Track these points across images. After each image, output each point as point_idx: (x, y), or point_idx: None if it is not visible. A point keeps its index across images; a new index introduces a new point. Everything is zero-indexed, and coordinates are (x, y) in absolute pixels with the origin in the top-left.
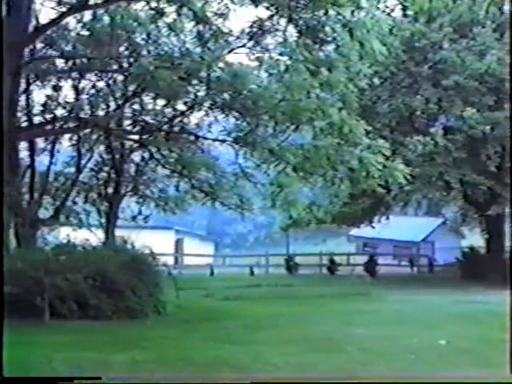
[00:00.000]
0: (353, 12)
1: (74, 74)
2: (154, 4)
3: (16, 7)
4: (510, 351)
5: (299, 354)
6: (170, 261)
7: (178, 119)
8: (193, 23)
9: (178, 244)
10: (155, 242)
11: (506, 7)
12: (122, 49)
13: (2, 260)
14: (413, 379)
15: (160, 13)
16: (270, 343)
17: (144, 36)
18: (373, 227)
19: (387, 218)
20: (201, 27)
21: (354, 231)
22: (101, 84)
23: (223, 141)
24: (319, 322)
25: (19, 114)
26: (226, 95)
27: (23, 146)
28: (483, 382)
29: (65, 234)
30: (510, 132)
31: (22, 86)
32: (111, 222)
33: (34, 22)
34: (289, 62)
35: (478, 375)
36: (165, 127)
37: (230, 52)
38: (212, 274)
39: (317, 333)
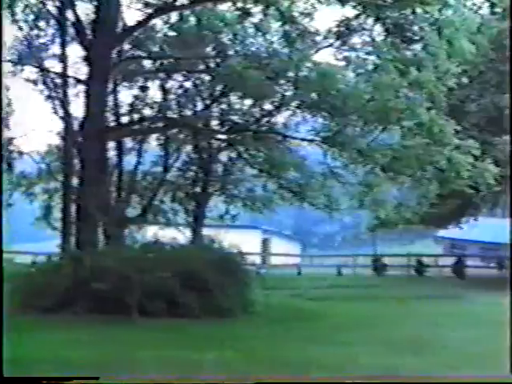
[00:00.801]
0: (440, 10)
1: (161, 75)
2: (240, 4)
3: (105, 10)
4: (510, 351)
5: (389, 355)
6: (257, 260)
7: (266, 119)
8: (279, 23)
9: (265, 243)
10: (242, 241)
11: None
12: (208, 49)
13: (1, 260)
14: (412, 379)
15: (246, 13)
16: (360, 344)
17: (230, 36)
18: (460, 228)
19: (475, 219)
20: (287, 27)
21: (442, 232)
22: (188, 84)
23: (311, 140)
24: (409, 323)
25: (107, 114)
26: (313, 95)
27: (111, 145)
28: (483, 382)
29: (152, 232)
30: (510, 132)
31: (110, 86)
32: (199, 221)
33: (121, 24)
34: (377, 62)
35: (478, 375)
36: (252, 127)
37: (317, 52)
38: (299, 273)
39: (407, 335)
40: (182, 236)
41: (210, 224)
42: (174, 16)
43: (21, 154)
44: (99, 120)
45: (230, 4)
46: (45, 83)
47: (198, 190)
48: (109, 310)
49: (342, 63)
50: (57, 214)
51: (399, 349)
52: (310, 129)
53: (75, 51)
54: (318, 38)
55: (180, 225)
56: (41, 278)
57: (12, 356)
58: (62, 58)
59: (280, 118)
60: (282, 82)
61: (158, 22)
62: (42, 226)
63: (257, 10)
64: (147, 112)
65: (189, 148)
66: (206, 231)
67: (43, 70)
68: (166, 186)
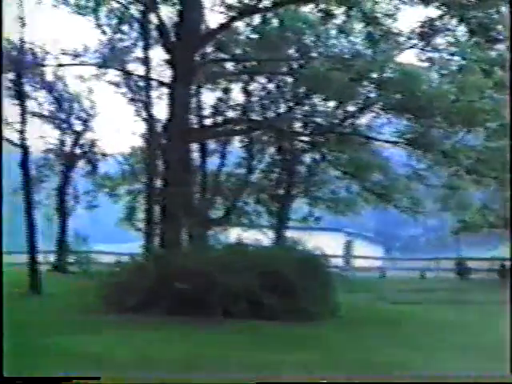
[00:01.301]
0: None
1: (244, 77)
2: (323, 6)
3: (187, 14)
4: (510, 351)
5: (477, 361)
6: (340, 263)
7: (349, 120)
8: (362, 24)
9: (348, 246)
10: (325, 243)
11: None
12: (291, 51)
13: (1, 259)
14: (412, 379)
15: (329, 14)
16: (445, 349)
17: (313, 38)
18: None
19: None
20: (370, 28)
21: None
22: (271, 86)
23: (395, 142)
24: (495, 328)
25: (191, 116)
26: (398, 96)
27: (195, 147)
28: (483, 382)
29: (236, 233)
30: (510, 132)
31: (194, 88)
32: (282, 223)
33: (204, 27)
34: (461, 62)
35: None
36: (336, 129)
37: (400, 52)
38: (383, 276)
39: (494, 340)
40: (266, 238)
41: (294, 226)
42: (256, 18)
43: (105, 155)
44: (183, 122)
45: (312, 6)
46: (128, 86)
47: (281, 191)
48: (191, 311)
49: (426, 64)
50: (140, 215)
51: (487, 354)
52: (394, 130)
53: (158, 54)
54: (402, 39)
55: (263, 226)
56: (125, 277)
57: (96, 355)
58: (145, 61)
59: (363, 120)
60: (366, 83)
61: (240, 25)
62: (126, 227)
63: (340, 11)
64: (230, 114)
65: (272, 150)
66: (289, 233)
67: (126, 73)
68: (249, 188)
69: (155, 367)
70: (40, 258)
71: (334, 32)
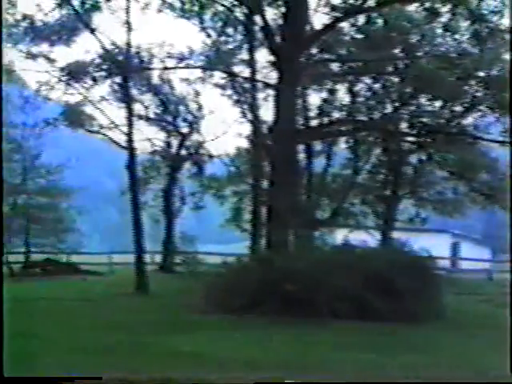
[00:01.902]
0: None
1: (350, 77)
2: (428, 4)
3: (292, 15)
4: (510, 351)
5: None
6: (446, 265)
7: (456, 120)
8: (468, 22)
9: (455, 247)
10: (431, 244)
11: None
12: (396, 50)
13: (1, 258)
14: (412, 379)
15: (435, 13)
16: None
17: (418, 37)
18: None
19: None
20: (477, 26)
21: None
22: (376, 86)
23: (503, 142)
24: None
25: (297, 118)
26: (505, 95)
27: (300, 148)
28: (483, 382)
29: (342, 234)
30: (510, 132)
31: (299, 89)
32: (388, 224)
33: (309, 28)
34: None
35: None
36: (443, 129)
37: (508, 50)
38: (490, 279)
39: None
40: (372, 239)
41: (400, 227)
42: (361, 18)
43: (211, 157)
44: (289, 123)
45: (417, 4)
46: (233, 88)
47: (387, 192)
48: (297, 312)
49: None
50: (246, 215)
51: None
52: (501, 130)
53: (263, 56)
54: (509, 36)
55: (370, 228)
56: (230, 278)
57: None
58: (251, 63)
59: (470, 119)
60: (473, 82)
61: (345, 25)
62: (232, 228)
63: (445, 9)
64: (336, 115)
65: (378, 150)
66: (395, 234)
67: (232, 75)
68: (355, 189)
69: (259, 367)
70: (147, 258)
71: (439, 30)
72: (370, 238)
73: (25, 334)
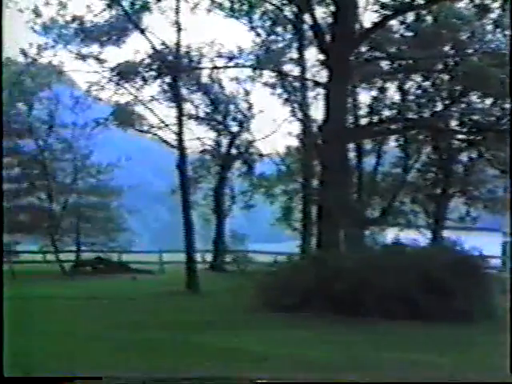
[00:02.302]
0: None
1: (400, 75)
2: (478, 0)
3: (342, 14)
4: (510, 351)
5: None
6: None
7: (507, 118)
8: None
9: (506, 247)
10: (482, 243)
11: None
12: (446, 48)
13: (1, 256)
14: (412, 379)
15: (485, 9)
16: None
17: (469, 34)
18: None
19: None
20: None
21: None
22: (427, 84)
23: None
24: None
25: (347, 116)
26: None
27: (350, 147)
28: (483, 382)
29: (392, 233)
30: (510, 131)
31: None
32: (439, 223)
33: (358, 26)
34: None
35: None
36: (494, 126)
37: None
38: None
39: None
40: (423, 238)
41: (451, 226)
42: (410, 16)
43: (261, 156)
44: (339, 122)
45: (467, 1)
46: (283, 87)
47: (438, 191)
48: (348, 311)
49: None
50: (296, 214)
51: None
52: None
53: (312, 55)
54: None
55: (420, 226)
56: (282, 277)
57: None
58: (300, 62)
59: None
60: None
61: (394, 23)
62: (282, 227)
63: (495, 5)
64: (386, 113)
65: (429, 149)
66: (446, 233)
67: (281, 74)
68: (405, 188)
69: (310, 367)
70: (197, 257)
71: (489, 27)
72: (420, 237)
73: (75, 334)
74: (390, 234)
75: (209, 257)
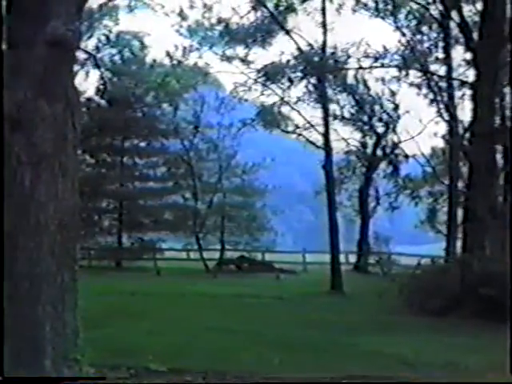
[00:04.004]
0: None
1: None
2: None
3: (490, 12)
4: (510, 351)
5: None
6: None
7: None
8: None
9: None
10: None
11: None
12: None
13: (2, 257)
14: (412, 379)
15: None
16: None
17: None
18: None
19: None
20: None
21: None
22: None
23: None
24: None
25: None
26: None
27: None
28: (483, 382)
29: None
30: (510, 131)
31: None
32: None
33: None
34: None
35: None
36: None
37: None
38: None
39: None
40: None
41: None
42: None
43: (406, 157)
44: (487, 122)
45: None
46: (429, 87)
47: None
48: (495, 317)
49: None
50: (441, 217)
51: None
52: None
53: (459, 54)
54: None
55: None
56: (428, 279)
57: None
58: (446, 61)
59: None
60: None
61: None
62: (425, 229)
63: None
64: None
65: None
66: None
67: (427, 74)
68: None
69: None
70: (341, 258)
71: None
72: None
73: (222, 329)
74: None
75: (352, 258)
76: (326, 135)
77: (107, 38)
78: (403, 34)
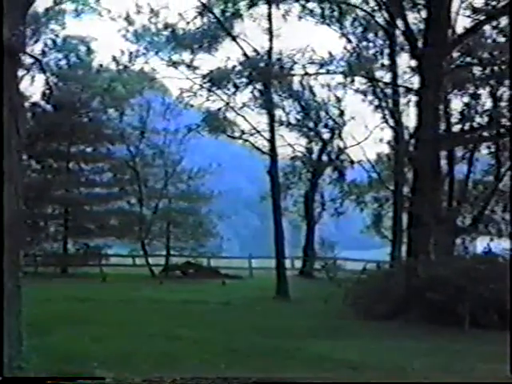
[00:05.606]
0: None
1: (492, 81)
2: None
3: (434, 19)
4: (510, 351)
5: None
6: None
7: None
8: None
9: None
10: None
11: None
12: None
13: (2, 257)
14: (412, 379)
15: None
16: None
17: None
18: None
19: None
20: None
21: None
22: None
23: None
24: None
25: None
26: None
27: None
28: (483, 382)
29: (483, 243)
30: (510, 131)
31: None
32: None
33: (450, 32)
34: None
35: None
36: None
37: None
38: None
39: None
40: None
41: None
42: (503, 20)
43: (352, 163)
44: (432, 129)
45: None
46: (374, 93)
47: None
48: (440, 320)
49: None
50: (386, 222)
51: None
52: None
53: (404, 61)
54: None
55: None
56: (373, 285)
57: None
58: (392, 68)
59: None
60: None
61: (486, 28)
62: (371, 234)
63: None
64: (478, 120)
65: None
66: None
67: (373, 81)
68: (497, 196)
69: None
70: (287, 263)
71: None
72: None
73: (168, 336)
74: (479, 243)
75: (298, 263)
76: (271, 141)
77: (54, 42)
78: (349, 41)
